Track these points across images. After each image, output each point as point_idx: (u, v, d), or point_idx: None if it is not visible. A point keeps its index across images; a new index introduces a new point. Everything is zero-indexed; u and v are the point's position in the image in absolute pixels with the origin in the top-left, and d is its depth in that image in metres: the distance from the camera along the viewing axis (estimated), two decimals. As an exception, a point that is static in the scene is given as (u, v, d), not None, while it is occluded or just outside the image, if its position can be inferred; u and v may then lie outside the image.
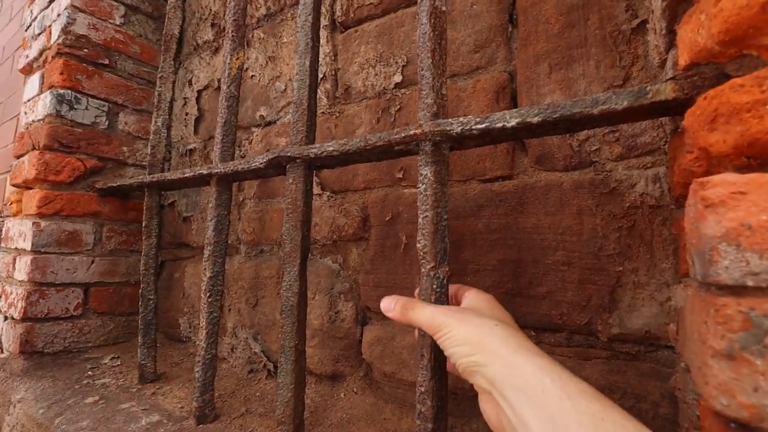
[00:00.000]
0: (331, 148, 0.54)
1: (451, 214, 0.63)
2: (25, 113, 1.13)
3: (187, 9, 1.17)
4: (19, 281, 0.98)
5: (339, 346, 0.74)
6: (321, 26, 0.83)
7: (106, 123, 1.09)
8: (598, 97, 0.36)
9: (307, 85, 0.61)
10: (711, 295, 0.23)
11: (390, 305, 0.43)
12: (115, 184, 0.99)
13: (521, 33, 0.62)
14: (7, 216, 1.11)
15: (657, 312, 0.47)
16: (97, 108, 1.07)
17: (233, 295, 0.93)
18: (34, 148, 1.02)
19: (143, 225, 0.87)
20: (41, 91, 1.07)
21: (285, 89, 0.91)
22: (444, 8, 0.50)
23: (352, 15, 0.81)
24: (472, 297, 0.42)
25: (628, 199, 0.50)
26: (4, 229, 1.12)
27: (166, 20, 0.96)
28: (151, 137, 0.92)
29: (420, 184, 0.46)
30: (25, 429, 0.77)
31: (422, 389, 0.43)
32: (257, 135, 0.95)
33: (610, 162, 0.53)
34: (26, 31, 1.26)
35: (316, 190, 0.80)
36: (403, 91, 0.73)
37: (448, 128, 0.44)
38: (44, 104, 1.03)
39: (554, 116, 0.38)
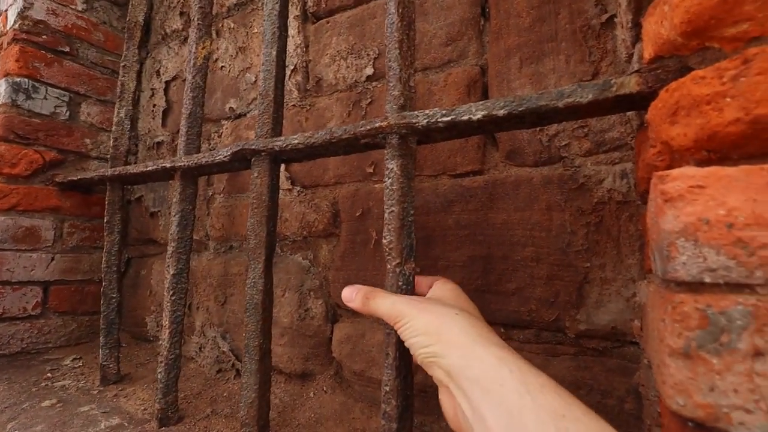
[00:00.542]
0: (296, 141, 0.52)
1: (422, 210, 0.62)
2: (-21, 102, 1.07)
3: (154, -4, 1.12)
4: (-28, 280, 0.93)
5: (309, 345, 0.72)
6: (292, 16, 0.81)
7: (67, 114, 1.03)
8: (563, 90, 0.36)
9: (273, 75, 0.59)
10: (669, 291, 0.23)
11: (351, 295, 0.41)
12: (75, 178, 0.94)
13: (493, 26, 0.61)
14: (-41, 211, 1.05)
15: (623, 308, 0.47)
16: (57, 98, 1.02)
17: (201, 292, 0.90)
18: (-13, 140, 0.96)
19: (105, 220, 0.83)
20: (-5, 79, 1.01)
21: (255, 81, 0.88)
22: (413, -2, 0.49)
23: (324, 5, 0.78)
24: (437, 287, 0.41)
25: (596, 194, 0.50)
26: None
27: (130, 6, 0.91)
28: (113, 129, 0.88)
29: (386, 179, 0.45)
30: (-26, 436, 0.73)
31: (387, 388, 0.42)
32: (227, 128, 0.92)
33: (579, 157, 0.52)
34: (-19, 15, 1.19)
35: (286, 185, 0.78)
36: (374, 83, 0.71)
37: (414, 121, 0.43)
38: (-1, 93, 0.97)
39: (520, 109, 0.37)
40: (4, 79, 0.97)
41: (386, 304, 0.38)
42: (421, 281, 0.44)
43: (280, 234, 0.78)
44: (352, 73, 0.74)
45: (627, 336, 0.47)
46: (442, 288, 0.41)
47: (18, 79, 0.96)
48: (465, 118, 0.40)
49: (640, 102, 0.35)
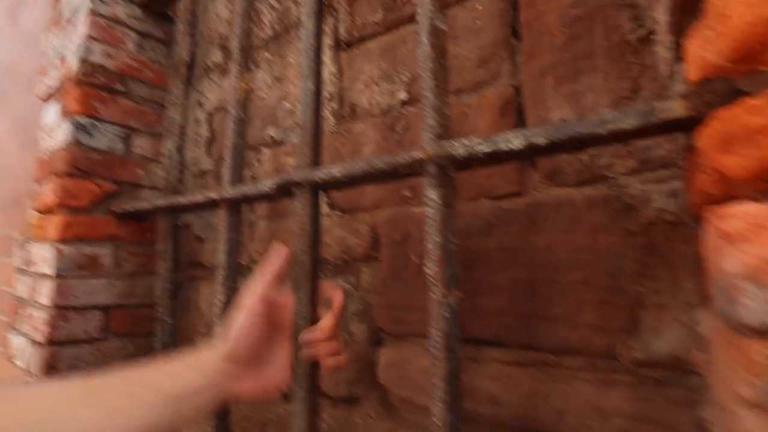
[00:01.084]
0: (336, 173, 0.53)
1: (462, 233, 0.62)
2: (44, 140, 1.17)
3: (196, 33, 1.19)
4: (42, 305, 1.00)
5: (353, 369, 0.73)
6: (326, 46, 0.84)
7: (122, 147, 1.11)
8: (606, 117, 0.35)
9: (311, 108, 0.61)
10: (735, 335, 0.22)
11: None
12: (131, 208, 1.01)
13: (525, 46, 0.61)
14: (30, 241, 1.15)
15: (683, 335, 0.45)
16: (113, 133, 1.10)
17: (248, 315, 0.93)
18: (54, 175, 1.05)
19: (159, 248, 0.89)
20: (59, 119, 1.10)
21: (292, 108, 0.92)
22: (444, 27, 0.49)
23: (356, 34, 0.81)
24: None
25: (645, 215, 0.48)
26: (27, 254, 1.15)
27: (176, 46, 0.97)
28: (164, 161, 0.94)
29: (426, 208, 0.45)
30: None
31: (439, 423, 0.42)
32: (267, 155, 0.96)
33: (624, 177, 0.51)
34: (45, 60, 1.30)
35: (325, 209, 0.80)
36: (408, 108, 0.72)
37: (452, 151, 0.43)
38: (62, 132, 1.06)
39: (560, 137, 0.37)
40: (67, 119, 1.05)
41: None
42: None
43: (322, 258, 0.79)
44: (385, 98, 0.75)
45: (690, 365, 0.45)
46: None
47: (79, 119, 1.04)
48: (504, 147, 0.40)
49: (686, 125, 0.34)
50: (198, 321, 1.08)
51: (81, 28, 1.09)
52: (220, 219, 0.71)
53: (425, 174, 0.46)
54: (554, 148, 0.39)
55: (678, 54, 0.39)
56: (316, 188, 0.58)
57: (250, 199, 0.70)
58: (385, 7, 0.77)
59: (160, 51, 1.22)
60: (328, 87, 0.83)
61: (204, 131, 1.15)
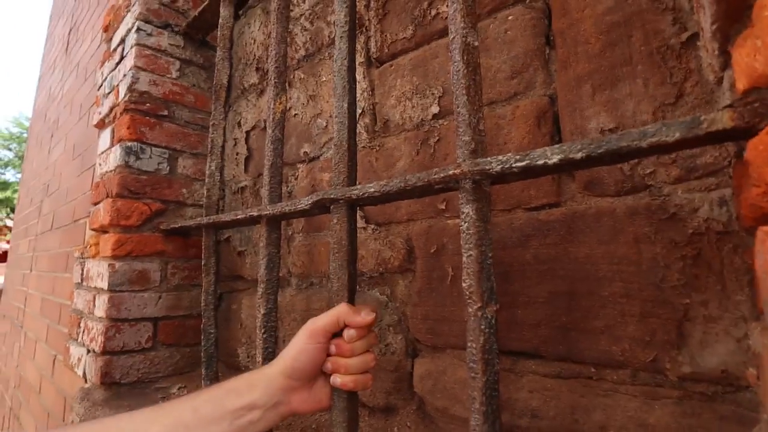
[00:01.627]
0: (372, 189, 0.55)
1: (497, 245, 0.61)
2: (99, 164, 1.25)
3: (233, 57, 1.25)
4: (99, 317, 1.07)
5: (390, 379, 0.74)
6: (357, 64, 0.86)
7: (167, 168, 1.18)
8: (646, 129, 0.35)
9: (346, 127, 0.63)
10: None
11: None
12: (176, 225, 1.07)
13: (560, 55, 0.60)
14: (87, 257, 1.23)
15: (734, 349, 0.43)
16: (159, 156, 1.16)
17: (286, 326, 0.96)
18: (107, 196, 1.13)
19: (203, 263, 0.93)
20: (112, 144, 1.18)
21: (326, 126, 0.94)
22: (476, 43, 0.50)
23: (387, 50, 0.83)
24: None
25: (691, 224, 0.47)
26: (85, 270, 1.23)
27: (216, 71, 1.03)
28: (206, 180, 0.99)
29: (462, 222, 0.46)
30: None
31: (476, 436, 0.42)
32: (302, 171, 0.99)
33: (668, 185, 0.49)
34: (98, 90, 1.40)
35: (360, 223, 0.82)
36: (441, 121, 0.73)
37: (487, 167, 0.43)
38: (115, 156, 1.13)
39: (599, 151, 0.37)
40: (118, 144, 1.13)
41: None
42: None
43: (358, 271, 0.81)
44: (417, 113, 0.76)
45: (740, 380, 0.43)
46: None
47: (129, 144, 1.11)
48: (540, 162, 0.40)
49: (734, 135, 0.33)
50: (239, 332, 1.12)
51: (129, 59, 1.17)
52: (260, 235, 0.74)
53: (460, 190, 0.46)
54: (592, 161, 0.39)
55: (724, 61, 0.38)
56: (352, 204, 0.60)
57: (288, 216, 0.72)
58: (416, 23, 0.78)
59: (200, 76, 1.29)
60: (361, 103, 0.85)
61: (242, 149, 1.20)
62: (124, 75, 1.17)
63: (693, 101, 0.49)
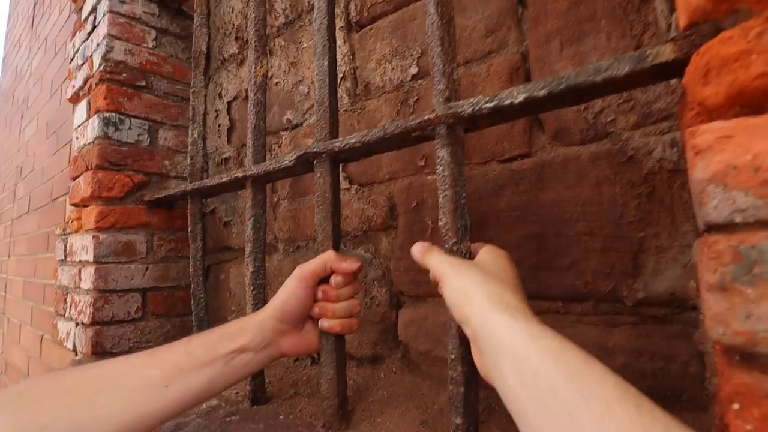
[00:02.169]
0: (353, 140, 0.57)
1: (473, 196, 0.65)
2: (77, 138, 1.24)
3: (212, 26, 1.24)
4: (86, 290, 1.08)
5: (376, 330, 0.78)
6: (337, 28, 0.87)
7: (148, 140, 1.17)
8: (600, 65, 0.38)
9: (327, 84, 0.65)
10: (704, 235, 0.25)
11: (416, 249, 0.49)
12: (160, 195, 1.07)
13: (531, 13, 0.63)
14: (69, 233, 1.22)
15: (681, 274, 0.48)
16: (139, 127, 1.16)
17: (274, 290, 0.99)
18: (87, 169, 1.12)
19: (189, 230, 0.95)
20: (89, 116, 1.17)
21: (308, 92, 0.96)
22: (450, -3, 0.52)
23: (366, 14, 0.84)
24: (483, 252, 0.46)
25: (646, 165, 0.51)
26: (68, 246, 1.23)
27: (194, 38, 1.02)
28: (189, 148, 0.99)
29: (438, 166, 0.49)
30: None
31: (453, 356, 0.46)
32: (285, 138, 1.01)
33: (627, 131, 0.53)
34: (71, 63, 1.37)
35: (344, 184, 0.84)
36: (420, 81, 0.76)
37: (459, 110, 0.46)
38: (93, 128, 1.12)
39: (560, 88, 0.40)
40: (96, 115, 1.12)
41: (434, 261, 0.45)
42: (475, 248, 0.48)
43: (342, 230, 0.84)
44: (397, 74, 0.78)
45: (687, 301, 0.48)
46: (486, 252, 0.45)
47: (107, 114, 1.10)
48: (507, 102, 0.43)
49: (677, 69, 0.36)
50: (229, 301, 1.15)
51: (102, 27, 1.15)
52: (246, 197, 0.76)
53: (436, 135, 0.50)
54: (555, 99, 0.42)
55: (672, 4, 0.41)
56: (335, 158, 0.62)
57: (272, 176, 0.74)
58: (392, -13, 0.80)
59: (178, 46, 1.27)
60: (341, 68, 0.87)
61: (224, 120, 1.20)
62: (98, 44, 1.15)
63: (650, 51, 0.52)
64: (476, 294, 0.38)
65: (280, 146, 1.02)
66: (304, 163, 0.66)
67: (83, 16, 1.30)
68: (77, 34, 1.34)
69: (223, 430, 0.64)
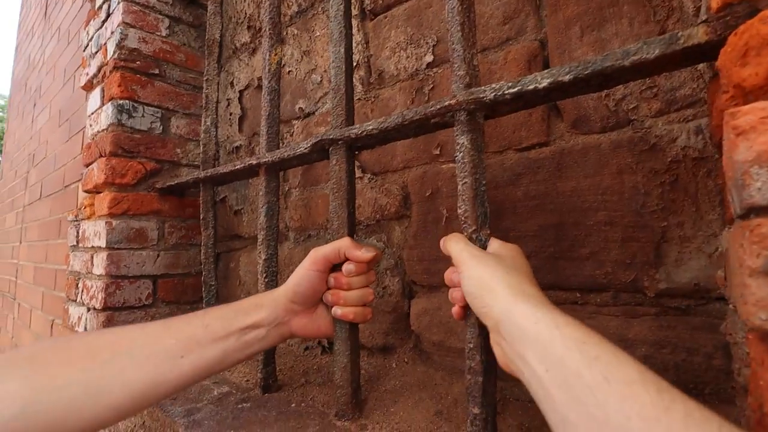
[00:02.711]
0: (370, 127, 0.57)
1: (490, 184, 0.64)
2: (90, 125, 1.24)
3: (224, 15, 1.24)
4: (98, 275, 1.09)
5: (388, 320, 0.77)
6: (352, 15, 0.86)
7: (161, 128, 1.18)
8: (628, 48, 0.37)
9: (343, 71, 0.64)
10: (746, 218, 0.24)
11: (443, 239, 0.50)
12: (173, 183, 1.08)
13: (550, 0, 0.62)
14: (82, 219, 1.23)
15: (705, 264, 0.47)
16: (152, 115, 1.16)
17: (285, 279, 0.99)
18: (101, 156, 1.12)
19: (201, 218, 0.95)
20: (103, 104, 1.17)
21: (321, 81, 0.95)
22: (471, -19, 0.51)
23: (381, 1, 0.83)
24: (496, 244, 0.46)
25: (670, 153, 0.50)
26: (80, 231, 1.24)
27: (208, 26, 1.02)
28: (202, 136, 0.99)
29: (457, 153, 0.48)
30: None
31: (471, 345, 0.46)
32: (298, 127, 1.00)
33: (649, 119, 0.52)
34: (84, 51, 1.38)
35: (357, 173, 0.84)
36: (435, 70, 0.75)
37: (481, 95, 0.46)
38: (106, 115, 1.13)
39: (586, 72, 0.39)
40: (109, 102, 1.12)
41: (455, 249, 0.44)
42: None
43: (356, 219, 0.83)
44: (412, 63, 0.78)
45: (711, 292, 0.47)
46: (502, 246, 0.45)
47: (121, 102, 1.11)
48: (531, 87, 0.42)
49: (710, 52, 0.35)
50: (238, 289, 1.15)
51: (117, 15, 1.15)
52: (259, 184, 0.76)
53: (456, 122, 0.49)
54: (580, 84, 0.41)
55: (701, -13, 0.40)
56: (351, 145, 0.62)
57: (287, 163, 0.74)
58: (409, -26, 0.79)
59: (191, 35, 1.27)
60: (356, 56, 0.86)
61: (235, 109, 1.20)
62: (112, 32, 1.15)
63: (676, 37, 0.51)
64: (498, 284, 0.38)
65: (291, 135, 1.02)
66: (320, 151, 0.65)
67: (97, 5, 1.30)
68: (91, 22, 1.34)
69: (236, 417, 0.64)
